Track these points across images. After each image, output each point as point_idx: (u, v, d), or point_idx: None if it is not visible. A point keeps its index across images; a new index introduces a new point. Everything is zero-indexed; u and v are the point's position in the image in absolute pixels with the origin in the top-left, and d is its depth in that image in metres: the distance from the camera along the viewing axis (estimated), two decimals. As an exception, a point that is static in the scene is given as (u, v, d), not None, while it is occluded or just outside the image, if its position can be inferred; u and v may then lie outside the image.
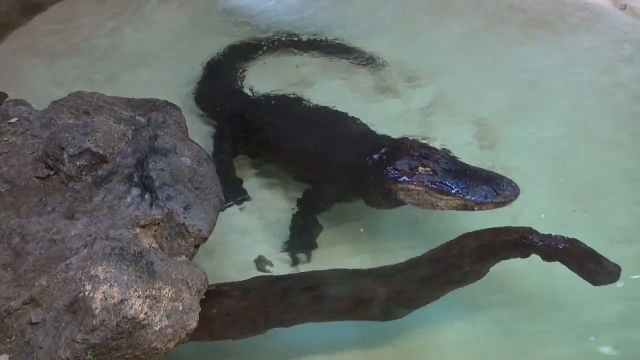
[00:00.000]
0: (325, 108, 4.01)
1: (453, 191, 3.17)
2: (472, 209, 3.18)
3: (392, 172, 3.30)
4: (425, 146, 3.47)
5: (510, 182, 3.16)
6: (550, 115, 4.43)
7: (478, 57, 4.97)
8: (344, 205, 3.75)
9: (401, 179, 3.28)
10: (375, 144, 3.56)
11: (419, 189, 3.25)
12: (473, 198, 3.14)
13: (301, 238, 3.64)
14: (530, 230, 2.83)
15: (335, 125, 3.81)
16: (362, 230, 3.73)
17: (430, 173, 3.24)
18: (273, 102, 4.19)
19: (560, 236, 2.79)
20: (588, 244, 2.79)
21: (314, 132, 3.80)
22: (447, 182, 3.20)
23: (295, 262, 3.55)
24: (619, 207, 3.79)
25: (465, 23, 5.34)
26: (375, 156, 3.43)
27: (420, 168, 3.26)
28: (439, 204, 3.24)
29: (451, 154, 3.60)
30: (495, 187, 3.13)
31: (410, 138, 3.68)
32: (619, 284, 2.81)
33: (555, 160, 4.06)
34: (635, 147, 4.20)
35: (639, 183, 3.96)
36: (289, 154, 3.87)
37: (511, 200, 3.11)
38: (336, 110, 3.98)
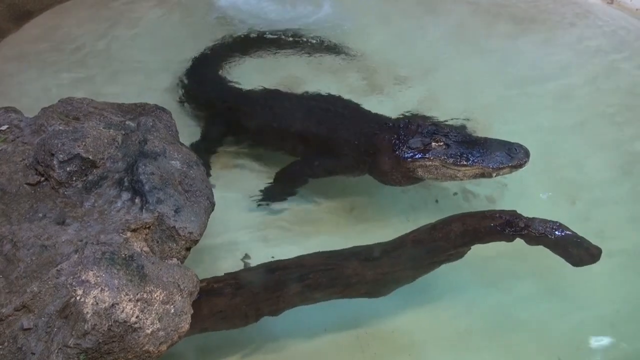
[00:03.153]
0: (319, 93, 4.12)
1: (470, 161, 3.32)
2: (490, 176, 3.34)
3: (407, 151, 3.42)
4: (432, 122, 3.63)
5: (520, 145, 3.33)
6: (540, 109, 4.48)
7: (467, 53, 5.02)
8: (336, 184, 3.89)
9: (418, 157, 3.40)
10: (380, 125, 3.67)
11: (436, 164, 3.38)
12: (490, 165, 3.29)
13: (279, 191, 3.82)
14: (515, 215, 2.91)
15: (335, 106, 3.91)
16: (352, 209, 3.86)
17: (444, 147, 3.37)
18: (266, 92, 4.25)
19: (544, 220, 2.88)
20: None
21: (314, 114, 3.88)
22: (462, 154, 3.33)
23: (261, 204, 3.80)
24: (610, 199, 3.85)
25: (454, 19, 5.38)
26: (385, 137, 3.54)
27: (433, 144, 3.39)
28: (458, 175, 3.38)
29: (456, 126, 3.79)
30: (508, 152, 3.29)
31: (411, 115, 3.87)
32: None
33: (546, 153, 4.10)
34: (625, 138, 4.26)
35: (629, 175, 4.00)
36: (290, 137, 3.92)
37: (526, 162, 3.28)
38: (330, 94, 4.09)
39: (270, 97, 4.16)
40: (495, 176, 3.34)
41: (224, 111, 4.24)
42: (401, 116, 4.00)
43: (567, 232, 2.84)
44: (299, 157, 3.92)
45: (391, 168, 3.52)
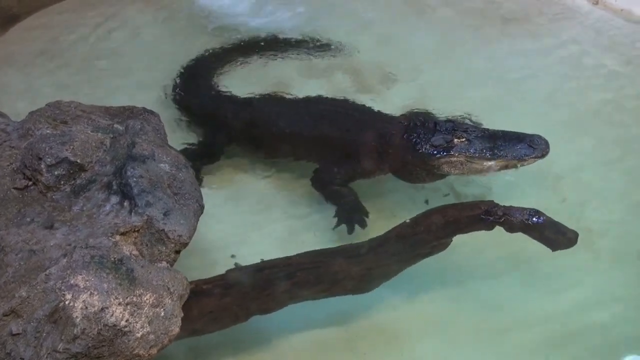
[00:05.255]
0: (320, 96, 4.12)
1: (495, 155, 3.38)
2: (514, 167, 3.41)
3: (431, 149, 3.46)
4: (447, 118, 3.72)
5: (540, 136, 3.40)
6: (528, 110, 4.51)
7: (455, 54, 5.05)
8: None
9: (442, 154, 3.44)
10: (394, 125, 3.69)
11: (461, 159, 3.44)
12: (515, 157, 3.36)
13: (348, 205, 3.65)
14: (493, 204, 2.97)
15: (344, 108, 3.92)
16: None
17: (466, 143, 3.42)
18: (269, 98, 4.23)
19: (521, 208, 2.95)
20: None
21: (325, 117, 3.87)
22: (486, 148, 3.39)
23: (351, 230, 3.53)
24: (600, 197, 3.90)
25: (441, 21, 5.41)
26: (405, 137, 3.56)
27: (455, 140, 3.44)
28: (483, 169, 3.44)
29: (470, 121, 3.88)
30: (530, 144, 3.37)
31: (420, 113, 3.93)
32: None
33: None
34: (614, 135, 4.30)
35: (620, 172, 4.05)
36: (303, 142, 3.90)
37: (548, 153, 3.36)
38: (333, 97, 4.11)
39: (276, 103, 4.12)
40: (520, 166, 3.41)
41: (226, 122, 4.14)
42: (406, 113, 4.00)
43: (544, 217, 2.92)
44: (312, 162, 3.89)
45: (415, 167, 3.56)
